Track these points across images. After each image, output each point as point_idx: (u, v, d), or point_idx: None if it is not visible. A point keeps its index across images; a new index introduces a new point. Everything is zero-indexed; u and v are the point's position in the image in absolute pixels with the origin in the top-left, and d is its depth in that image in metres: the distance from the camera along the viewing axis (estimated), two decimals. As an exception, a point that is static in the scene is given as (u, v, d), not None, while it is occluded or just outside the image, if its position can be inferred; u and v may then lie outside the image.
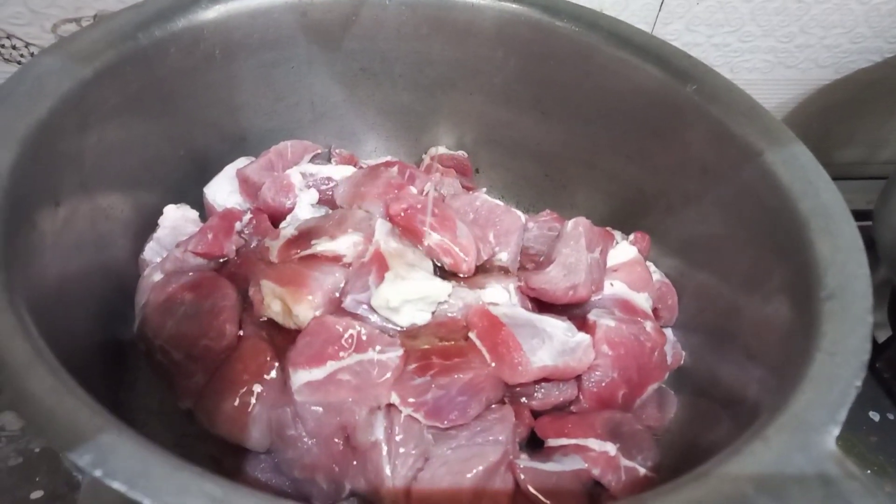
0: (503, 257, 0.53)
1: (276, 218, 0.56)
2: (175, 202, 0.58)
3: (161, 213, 0.57)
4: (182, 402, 0.48)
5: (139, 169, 0.56)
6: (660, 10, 0.78)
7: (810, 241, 0.42)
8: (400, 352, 0.44)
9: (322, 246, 0.49)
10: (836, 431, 0.30)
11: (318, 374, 0.43)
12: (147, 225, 0.57)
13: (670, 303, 0.56)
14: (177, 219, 0.56)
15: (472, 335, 0.46)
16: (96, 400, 0.47)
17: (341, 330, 0.44)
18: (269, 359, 0.45)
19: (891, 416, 0.66)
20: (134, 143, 0.54)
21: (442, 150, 0.71)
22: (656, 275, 0.57)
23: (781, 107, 0.93)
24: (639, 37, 0.58)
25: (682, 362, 0.55)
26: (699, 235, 0.57)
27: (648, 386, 0.49)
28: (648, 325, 0.50)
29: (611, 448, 0.43)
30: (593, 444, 0.44)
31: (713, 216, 0.54)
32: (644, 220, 0.62)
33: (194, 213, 0.58)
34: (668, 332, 0.56)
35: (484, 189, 0.62)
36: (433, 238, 0.49)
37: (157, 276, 0.51)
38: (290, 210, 0.55)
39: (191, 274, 0.50)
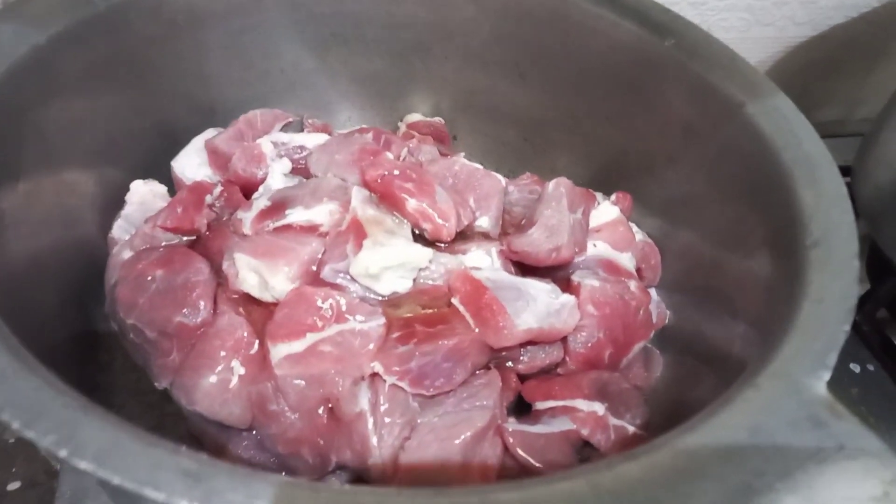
0: (484, 222, 0.51)
1: (249, 189, 0.54)
2: (144, 177, 0.56)
3: (128, 189, 0.55)
4: (159, 381, 0.46)
5: (105, 142, 0.54)
6: (636, -32, 0.76)
7: (794, 192, 0.41)
8: (382, 320, 0.43)
9: (297, 215, 0.47)
10: (826, 376, 0.29)
11: (298, 346, 0.42)
12: (115, 201, 0.55)
13: (653, 263, 0.56)
14: (145, 194, 0.54)
15: (454, 300, 0.45)
16: (70, 382, 0.46)
17: (320, 300, 0.43)
18: (246, 334, 0.44)
19: (871, 368, 0.66)
20: (99, 116, 0.52)
21: (418, 117, 0.69)
22: (639, 235, 0.56)
23: (759, 66, 0.92)
24: (615, -8, 0.56)
25: (666, 321, 0.55)
26: (682, 194, 0.56)
27: (634, 345, 0.48)
28: (632, 285, 0.50)
29: (599, 408, 0.43)
30: (581, 404, 0.43)
31: (696, 175, 0.54)
32: (626, 181, 0.61)
33: (163, 189, 0.56)
34: (652, 291, 0.56)
35: (462, 154, 0.60)
36: (412, 204, 0.48)
37: (127, 254, 0.49)
38: (262, 181, 0.53)
39: (161, 249, 0.48)
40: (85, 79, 0.50)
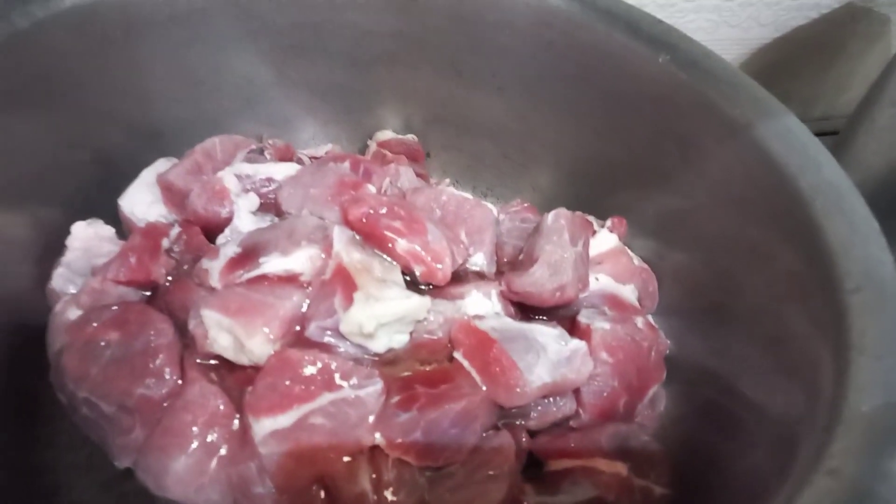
0: (479, 260, 0.47)
1: (211, 230, 0.47)
2: (85, 217, 0.49)
3: (68, 233, 0.47)
4: (119, 460, 0.40)
5: (33, 179, 0.47)
6: (606, -31, 0.73)
7: (818, 223, 0.39)
8: (380, 385, 0.38)
9: (273, 264, 0.41)
10: (906, 455, 0.26)
11: (284, 420, 0.37)
12: (53, 247, 0.48)
13: (651, 290, 0.53)
14: (88, 238, 0.47)
15: (457, 355, 0.41)
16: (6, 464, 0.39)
17: (308, 365, 0.37)
18: (222, 405, 0.38)
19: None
20: (22, 149, 0.46)
21: (389, 134, 0.64)
22: (635, 260, 0.53)
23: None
24: (604, 2, 0.53)
25: (667, 352, 0.52)
26: (679, 214, 0.53)
27: (649, 389, 0.45)
28: (640, 322, 0.47)
29: (621, 468, 0.39)
30: (601, 464, 0.40)
31: (695, 193, 0.51)
32: (614, 199, 0.58)
33: (109, 230, 0.49)
34: (650, 319, 0.53)
35: (447, 180, 0.55)
36: (402, 245, 0.43)
37: (73, 313, 0.42)
38: (226, 220, 0.47)
39: (115, 308, 0.41)
40: (2, 106, 0.42)
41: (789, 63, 0.93)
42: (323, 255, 0.42)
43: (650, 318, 0.53)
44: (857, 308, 0.33)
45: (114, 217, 0.51)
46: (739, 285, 0.46)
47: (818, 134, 0.78)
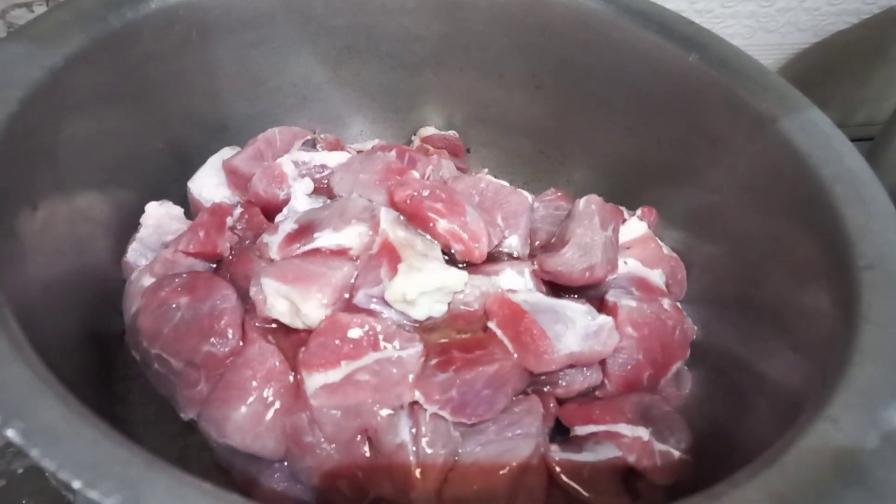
0: (513, 242, 0.50)
1: (270, 210, 0.52)
2: (156, 199, 0.54)
3: (142, 212, 0.53)
4: (185, 412, 0.44)
5: (116, 164, 0.52)
6: (644, -24, 0.76)
7: (838, 210, 0.41)
8: (420, 347, 0.41)
9: (325, 239, 0.46)
10: (903, 408, 0.29)
11: (334, 375, 0.40)
12: (128, 225, 0.53)
13: (680, 277, 0.55)
14: (160, 217, 0.52)
15: (491, 325, 0.44)
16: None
17: (356, 327, 0.41)
18: (278, 363, 0.42)
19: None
20: (109, 137, 0.50)
21: (432, 130, 0.68)
22: (664, 249, 0.56)
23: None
24: (638, 3, 0.56)
25: (693, 337, 0.54)
26: (708, 208, 0.55)
27: (672, 365, 0.48)
28: (666, 303, 0.49)
29: (643, 432, 0.42)
30: (625, 429, 0.42)
31: (724, 187, 0.53)
32: (647, 193, 0.61)
33: (178, 210, 0.54)
34: (678, 305, 0.55)
35: (486, 169, 0.59)
36: (442, 224, 0.46)
37: (147, 280, 0.47)
38: (284, 202, 0.51)
39: (185, 275, 0.46)
40: (95, 99, 0.48)
41: (828, 68, 0.93)
42: (370, 233, 0.46)
43: (678, 304, 0.55)
44: (868, 284, 0.36)
45: (183, 199, 0.56)
46: (764, 274, 0.48)
47: (860, 139, 0.79)
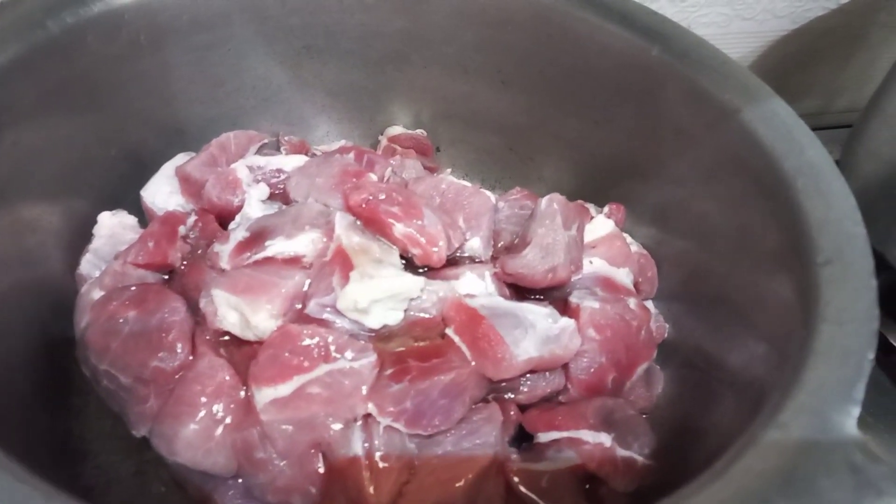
0: (475, 244, 0.49)
1: (225, 218, 0.51)
2: (112, 207, 0.53)
3: (96, 222, 0.51)
4: (136, 429, 0.43)
5: (66, 173, 0.51)
6: (616, -34, 0.75)
7: (798, 202, 0.40)
8: (373, 357, 0.40)
9: (278, 246, 0.44)
10: (855, 412, 0.27)
11: (284, 389, 0.39)
12: (81, 235, 0.52)
13: (650, 275, 0.54)
14: (113, 227, 0.51)
15: (449, 331, 0.43)
16: (41, 432, 0.43)
17: (307, 339, 0.40)
18: (228, 377, 0.41)
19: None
20: (57, 145, 0.49)
21: (399, 129, 0.67)
22: (634, 246, 0.54)
23: (740, 61, 0.90)
24: (600, -6, 0.54)
25: (665, 335, 0.53)
26: (676, 201, 0.54)
27: (638, 367, 0.46)
28: (632, 302, 0.48)
29: (605, 439, 0.41)
30: (587, 435, 0.41)
31: (690, 181, 0.52)
32: (616, 188, 0.60)
33: (132, 220, 0.52)
34: (649, 304, 0.54)
35: (449, 170, 0.58)
36: (399, 228, 0.45)
37: (97, 293, 0.46)
38: (239, 208, 0.50)
39: (133, 288, 0.45)
40: (39, 107, 0.47)
41: (807, 55, 0.92)
42: (325, 239, 0.45)
43: (651, 303, 0.54)
44: (826, 280, 0.34)
45: (138, 208, 0.55)
46: (732, 267, 0.47)
47: (842, 126, 0.77)
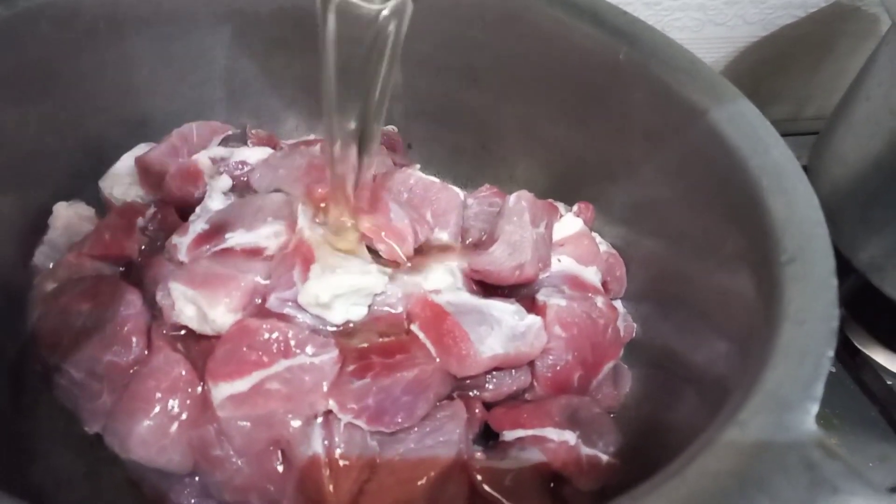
0: (443, 237, 0.48)
1: (185, 210, 0.49)
2: (70, 199, 0.52)
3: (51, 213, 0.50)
4: (89, 425, 0.42)
5: (20, 163, 0.49)
6: (590, -32, 0.75)
7: (763, 201, 0.40)
8: (335, 353, 0.39)
9: (238, 238, 0.43)
10: (814, 409, 0.27)
11: (241, 385, 0.38)
12: (36, 226, 0.50)
13: (619, 274, 0.54)
14: (69, 217, 0.50)
15: (414, 327, 0.42)
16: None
17: (266, 333, 0.39)
18: (184, 372, 0.40)
19: (832, 369, 0.66)
20: (10, 135, 0.47)
21: (369, 125, 0.66)
22: (603, 246, 0.54)
23: (712, 66, 0.92)
24: (571, -7, 0.54)
25: (633, 335, 0.53)
26: (645, 202, 0.54)
27: (604, 365, 0.46)
28: (599, 301, 0.48)
29: (570, 437, 0.40)
30: (551, 433, 0.41)
31: (659, 181, 0.52)
32: (587, 189, 0.59)
33: (90, 211, 0.51)
34: (618, 303, 0.54)
35: (418, 165, 0.57)
36: (364, 224, 0.44)
37: (50, 286, 0.44)
38: (200, 200, 0.49)
39: (87, 280, 0.44)
40: (-10, 94, 0.45)
41: (778, 62, 0.93)
42: (287, 231, 0.44)
43: (619, 303, 0.54)
44: (788, 278, 0.34)
45: (98, 200, 0.53)
46: (697, 268, 0.47)
47: (811, 132, 0.78)
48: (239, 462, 0.39)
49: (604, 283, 0.52)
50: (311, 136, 0.66)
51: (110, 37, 0.51)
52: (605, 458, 0.41)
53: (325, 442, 0.38)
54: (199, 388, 0.40)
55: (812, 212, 0.37)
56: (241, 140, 0.62)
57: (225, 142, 0.58)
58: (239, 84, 0.62)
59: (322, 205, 0.45)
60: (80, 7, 0.48)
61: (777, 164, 0.41)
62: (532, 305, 0.47)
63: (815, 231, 0.36)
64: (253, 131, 0.62)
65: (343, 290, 0.40)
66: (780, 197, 0.39)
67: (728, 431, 0.27)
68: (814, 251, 0.35)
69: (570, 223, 0.52)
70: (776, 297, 0.34)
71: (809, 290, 0.33)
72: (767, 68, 0.94)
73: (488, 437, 0.45)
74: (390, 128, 0.67)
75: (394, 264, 0.46)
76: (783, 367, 0.29)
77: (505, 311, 0.43)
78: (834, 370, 0.66)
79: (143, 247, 0.47)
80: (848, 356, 0.66)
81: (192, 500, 0.40)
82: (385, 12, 0.36)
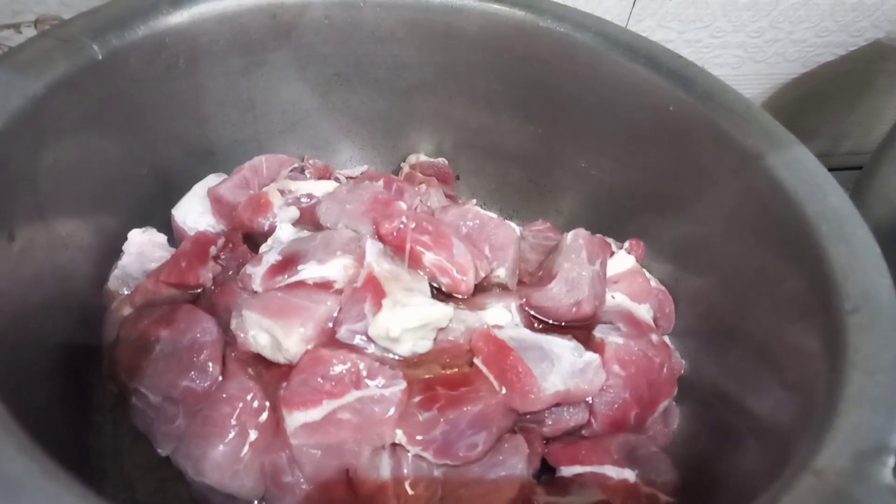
0: (501, 273, 0.50)
1: (254, 240, 0.52)
2: (140, 226, 0.54)
3: (125, 239, 0.52)
4: (162, 447, 0.44)
5: (100, 191, 0.51)
6: (633, 6, 0.77)
7: (822, 248, 0.41)
8: (403, 385, 0.41)
9: (310, 271, 0.45)
10: (891, 461, 0.28)
11: (314, 414, 0.40)
12: (110, 252, 0.52)
13: (668, 311, 0.55)
14: (143, 244, 0.52)
15: (477, 361, 0.43)
16: (60, 446, 0.43)
17: (338, 364, 0.40)
18: (258, 399, 0.42)
19: None
20: (93, 163, 0.50)
21: (421, 157, 0.68)
22: (652, 282, 0.55)
23: (750, 101, 0.93)
24: (626, 36, 0.56)
25: (682, 372, 0.54)
26: (694, 240, 0.55)
27: (660, 404, 0.47)
28: (654, 338, 0.49)
29: (630, 475, 0.41)
30: (611, 471, 0.42)
31: (710, 220, 0.53)
32: (633, 223, 0.60)
33: (162, 237, 0.53)
34: (666, 339, 0.55)
35: (474, 200, 0.59)
36: (429, 257, 0.46)
37: (127, 310, 0.46)
38: (269, 231, 0.51)
39: (164, 307, 0.45)
40: (79, 125, 0.47)
41: (816, 99, 0.94)
42: (356, 265, 0.45)
43: (666, 338, 0.55)
44: (853, 327, 0.35)
45: (167, 226, 0.55)
46: (749, 308, 0.48)
47: (847, 168, 0.79)
48: (308, 488, 0.40)
49: (654, 320, 0.53)
50: (365, 167, 0.68)
51: (187, 71, 0.54)
52: (663, 497, 0.41)
53: (393, 471, 0.39)
54: (267, 416, 0.41)
55: (875, 260, 0.38)
56: (299, 169, 0.65)
57: (289, 173, 0.60)
58: (299, 116, 0.64)
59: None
60: (163, 44, 0.50)
61: (836, 210, 0.42)
62: (587, 340, 0.48)
63: (879, 280, 0.37)
64: (311, 161, 0.64)
65: (413, 324, 0.42)
66: (841, 244, 0.40)
67: (805, 479, 0.28)
68: (879, 300, 0.36)
69: (622, 260, 0.53)
70: (841, 346, 0.35)
71: (876, 340, 0.34)
72: (805, 104, 0.95)
73: (542, 471, 0.46)
74: (440, 160, 0.69)
75: (454, 299, 0.48)
76: (856, 416, 0.30)
77: (564, 347, 0.45)
78: None
79: (215, 275, 0.49)
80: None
81: (258, 524, 0.42)
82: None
